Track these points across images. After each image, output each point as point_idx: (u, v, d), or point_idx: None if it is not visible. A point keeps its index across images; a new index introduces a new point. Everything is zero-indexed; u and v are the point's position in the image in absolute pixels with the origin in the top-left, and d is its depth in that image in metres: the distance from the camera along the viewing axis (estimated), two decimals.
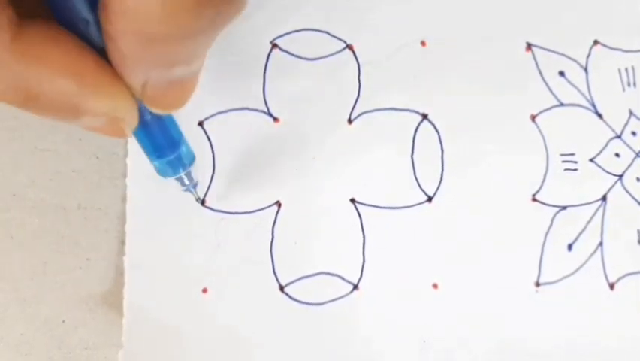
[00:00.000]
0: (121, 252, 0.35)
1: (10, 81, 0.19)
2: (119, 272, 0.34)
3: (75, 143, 0.35)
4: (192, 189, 0.33)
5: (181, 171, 0.30)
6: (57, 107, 0.20)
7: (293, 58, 0.36)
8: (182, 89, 0.22)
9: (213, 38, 0.20)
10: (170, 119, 0.28)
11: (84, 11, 0.19)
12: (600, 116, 0.36)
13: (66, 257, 0.35)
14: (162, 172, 0.30)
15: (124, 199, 0.35)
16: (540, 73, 0.36)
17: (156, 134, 0.27)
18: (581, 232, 0.35)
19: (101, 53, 0.20)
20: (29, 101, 0.19)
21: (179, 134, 0.28)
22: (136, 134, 0.26)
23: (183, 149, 0.29)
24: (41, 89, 0.19)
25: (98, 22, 0.19)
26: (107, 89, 0.20)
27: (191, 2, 0.17)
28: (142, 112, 0.23)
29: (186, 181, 0.32)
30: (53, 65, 0.19)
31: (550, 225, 0.35)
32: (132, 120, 0.22)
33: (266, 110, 0.35)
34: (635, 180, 0.36)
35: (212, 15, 0.18)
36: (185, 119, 0.35)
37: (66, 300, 0.34)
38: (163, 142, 0.27)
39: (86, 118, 0.21)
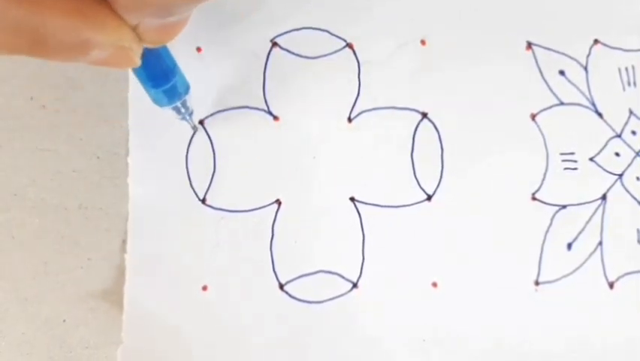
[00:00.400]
0: (122, 251, 0.35)
1: (14, 29, 0.19)
2: (120, 272, 0.34)
3: (76, 143, 0.35)
4: (188, 118, 0.33)
5: (176, 100, 0.31)
6: (65, 45, 0.21)
7: (293, 56, 0.36)
8: (172, 29, 0.23)
9: None
10: (165, 49, 0.28)
11: None
12: (600, 115, 0.36)
13: (67, 257, 0.35)
14: (158, 101, 0.30)
15: (125, 199, 0.35)
16: (540, 72, 0.36)
17: (152, 64, 0.27)
18: (580, 231, 0.35)
19: None
20: (37, 45, 0.20)
21: (174, 63, 0.29)
22: None
23: (178, 78, 0.29)
24: (47, 30, 0.20)
25: None
26: (109, 22, 0.21)
27: None
28: None
29: (182, 110, 0.32)
30: (55, 6, 0.20)
31: (550, 224, 0.35)
32: (138, 48, 0.23)
33: (266, 108, 0.35)
34: (634, 179, 0.36)
35: None
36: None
37: (67, 299, 0.34)
38: (158, 71, 0.28)
39: (94, 52, 0.21)
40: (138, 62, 0.24)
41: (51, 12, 0.19)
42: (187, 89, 0.31)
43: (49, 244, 0.35)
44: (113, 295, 0.34)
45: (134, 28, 0.22)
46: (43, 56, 0.21)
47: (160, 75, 0.29)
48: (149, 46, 0.24)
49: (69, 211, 0.35)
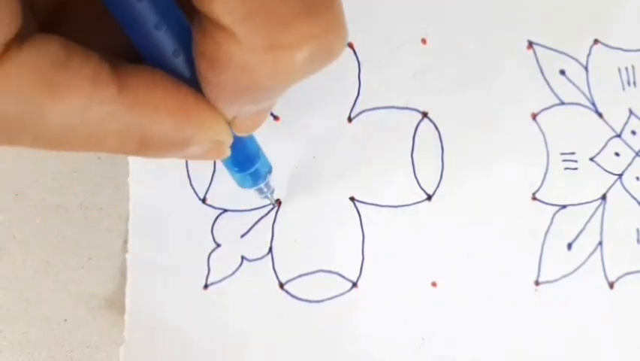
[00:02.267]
0: (123, 251, 0.35)
1: (124, 132, 0.19)
2: (121, 272, 0.35)
3: None
4: (270, 196, 0.33)
5: (260, 181, 0.31)
6: (169, 145, 0.20)
7: None
8: (265, 115, 0.23)
9: None
10: (251, 135, 0.28)
11: (174, 44, 0.20)
12: (600, 115, 0.36)
13: (68, 257, 0.35)
14: (243, 184, 0.30)
15: (126, 199, 0.35)
16: (541, 71, 0.36)
17: (237, 150, 0.27)
18: (580, 231, 0.35)
19: (189, 82, 0.20)
20: (143, 146, 0.20)
21: (257, 147, 0.29)
22: None
23: (261, 160, 0.30)
24: (153, 132, 0.19)
25: (187, 53, 0.20)
26: (209, 118, 0.21)
27: (301, 61, 0.17)
28: None
29: (264, 190, 0.32)
30: (160, 107, 0.19)
31: (550, 224, 0.35)
32: (229, 140, 0.23)
33: None
34: (634, 179, 0.35)
35: (317, 68, 0.19)
36: None
37: (68, 299, 0.35)
38: (243, 157, 0.28)
39: (193, 148, 0.21)
40: (229, 153, 0.24)
41: (158, 114, 0.19)
42: (270, 170, 0.31)
43: (50, 244, 0.35)
44: (114, 295, 0.35)
45: (232, 121, 0.22)
46: (146, 156, 0.21)
47: (245, 160, 0.28)
48: (241, 135, 0.24)
49: (70, 211, 0.35)
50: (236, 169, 0.29)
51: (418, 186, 0.35)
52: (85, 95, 0.18)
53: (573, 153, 0.35)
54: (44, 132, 0.18)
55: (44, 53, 0.17)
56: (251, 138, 0.28)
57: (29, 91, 0.17)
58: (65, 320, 0.34)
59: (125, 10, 0.19)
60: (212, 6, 0.16)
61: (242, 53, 0.17)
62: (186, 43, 0.20)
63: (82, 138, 0.19)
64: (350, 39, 0.36)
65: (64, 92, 0.17)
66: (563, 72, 0.36)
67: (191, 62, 0.20)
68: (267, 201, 0.35)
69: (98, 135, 0.19)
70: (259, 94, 0.19)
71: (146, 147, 0.20)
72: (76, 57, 0.18)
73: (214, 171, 0.35)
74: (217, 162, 0.35)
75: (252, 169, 0.29)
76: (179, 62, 0.20)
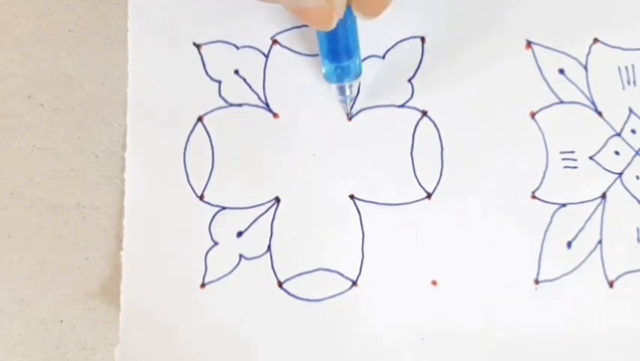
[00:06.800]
0: (119, 251, 0.34)
1: None
2: (118, 271, 0.34)
3: (74, 141, 0.35)
4: (347, 102, 0.35)
5: (345, 80, 0.32)
6: None
7: (293, 54, 0.35)
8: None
9: None
10: (353, 30, 0.31)
11: None
12: (600, 114, 0.36)
13: (64, 256, 0.34)
14: (328, 77, 0.32)
15: (122, 198, 0.34)
16: (540, 70, 0.36)
17: (337, 39, 0.30)
18: (580, 230, 0.35)
19: None
20: None
21: (356, 48, 0.31)
22: (320, 34, 0.31)
23: (355, 61, 0.32)
24: None
25: None
26: None
27: None
28: None
29: (347, 92, 0.34)
30: None
31: (550, 222, 0.35)
32: (340, 12, 0.27)
33: (265, 105, 0.35)
34: (634, 178, 0.36)
35: None
36: (184, 113, 0.35)
37: (64, 299, 0.34)
38: (340, 48, 0.31)
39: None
40: (332, 25, 0.28)
41: None
42: (359, 74, 0.33)
43: (46, 244, 0.34)
44: (111, 295, 0.34)
45: None
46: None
47: (341, 51, 0.31)
48: (360, 16, 0.28)
49: (66, 210, 0.35)
50: (330, 58, 0.31)
51: (417, 185, 0.35)
52: None
53: (573, 152, 0.36)
54: None
55: None
56: (354, 36, 0.31)
57: None
58: (61, 321, 0.34)
59: None
60: None
61: None
62: None
63: None
64: None
65: None
66: (562, 71, 0.36)
67: None
68: (345, 107, 0.35)
69: None
70: None
71: None
72: None
73: (212, 169, 0.35)
74: (215, 160, 0.35)
75: (344, 63, 0.31)
76: None
